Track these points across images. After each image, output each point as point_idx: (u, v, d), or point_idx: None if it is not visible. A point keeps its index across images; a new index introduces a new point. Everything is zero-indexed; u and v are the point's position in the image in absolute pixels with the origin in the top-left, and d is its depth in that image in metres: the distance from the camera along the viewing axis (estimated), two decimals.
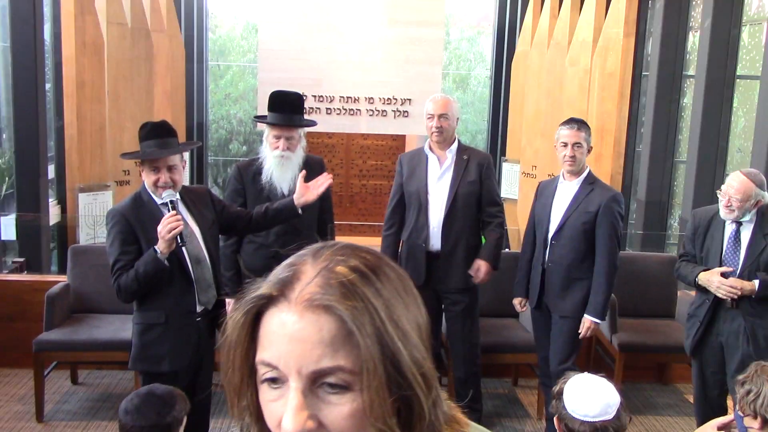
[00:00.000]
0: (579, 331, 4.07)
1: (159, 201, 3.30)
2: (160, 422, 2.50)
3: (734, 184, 3.70)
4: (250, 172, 4.00)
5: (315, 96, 9.37)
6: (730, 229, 3.80)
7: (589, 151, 4.07)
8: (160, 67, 8.70)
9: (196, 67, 10.45)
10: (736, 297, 3.71)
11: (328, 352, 0.75)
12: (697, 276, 3.85)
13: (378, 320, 0.76)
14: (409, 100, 9.43)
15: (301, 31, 9.36)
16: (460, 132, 15.98)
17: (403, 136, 10.73)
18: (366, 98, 9.57)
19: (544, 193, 4.24)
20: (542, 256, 4.16)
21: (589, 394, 2.24)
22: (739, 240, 3.78)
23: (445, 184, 4.22)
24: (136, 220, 3.26)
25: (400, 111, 9.60)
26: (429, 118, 4.19)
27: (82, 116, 7.34)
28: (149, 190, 3.32)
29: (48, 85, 7.60)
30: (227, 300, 3.55)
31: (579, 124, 4.06)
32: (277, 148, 3.88)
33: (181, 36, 9.60)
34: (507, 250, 8.99)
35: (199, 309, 3.40)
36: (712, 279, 3.77)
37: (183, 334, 3.35)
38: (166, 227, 3.16)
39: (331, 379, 0.76)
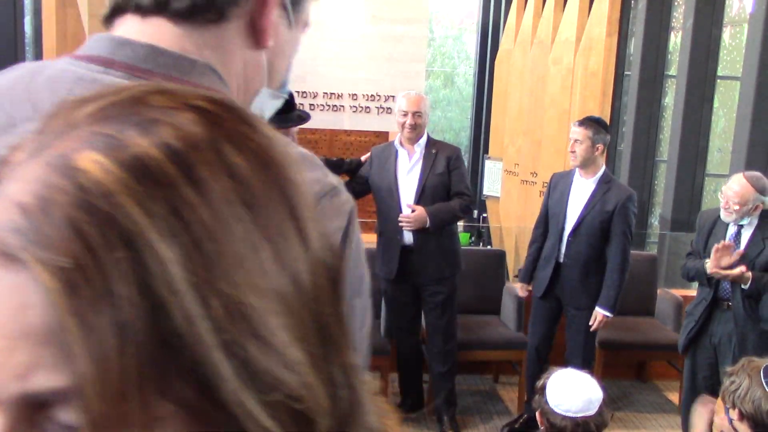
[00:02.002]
0: (590, 324, 4.17)
1: None
2: None
3: (734, 187, 3.64)
4: None
5: (298, 92, 9.36)
6: (731, 230, 3.78)
7: (599, 150, 4.10)
8: None
9: None
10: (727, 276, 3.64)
11: (44, 355, 0.33)
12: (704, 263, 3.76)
13: (166, 286, 0.33)
14: (393, 96, 9.43)
15: None
16: (445, 129, 16.03)
17: (386, 133, 10.73)
18: (349, 94, 9.57)
19: (558, 186, 4.29)
20: (557, 250, 4.22)
21: (572, 390, 2.25)
22: (739, 242, 3.76)
23: (414, 176, 4.26)
24: None
25: (383, 107, 9.61)
26: (403, 114, 4.23)
27: None
28: None
29: None
30: None
31: (583, 121, 4.14)
32: None
33: None
34: (489, 247, 9.02)
35: None
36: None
37: None
38: None
39: (62, 414, 0.34)
